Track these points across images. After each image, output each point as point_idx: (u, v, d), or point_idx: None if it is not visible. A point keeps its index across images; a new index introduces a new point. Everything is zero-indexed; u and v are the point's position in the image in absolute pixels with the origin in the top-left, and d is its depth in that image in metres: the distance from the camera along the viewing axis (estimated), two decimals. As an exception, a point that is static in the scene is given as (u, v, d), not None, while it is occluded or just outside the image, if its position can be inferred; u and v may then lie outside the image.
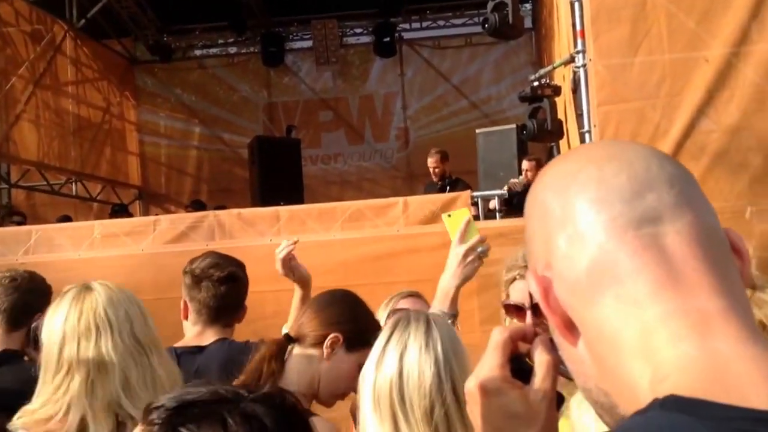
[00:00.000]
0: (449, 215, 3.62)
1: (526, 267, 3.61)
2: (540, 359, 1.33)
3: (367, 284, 8.71)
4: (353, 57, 22.73)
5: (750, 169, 8.09)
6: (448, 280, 3.70)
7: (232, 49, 23.10)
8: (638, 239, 1.13)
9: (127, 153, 21.42)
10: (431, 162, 12.78)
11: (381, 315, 4.13)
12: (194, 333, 4.32)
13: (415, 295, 4.38)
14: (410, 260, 8.74)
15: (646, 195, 1.15)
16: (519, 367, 1.34)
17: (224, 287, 4.22)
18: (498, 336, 1.35)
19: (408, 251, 8.85)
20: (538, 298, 1.21)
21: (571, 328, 1.19)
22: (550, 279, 1.20)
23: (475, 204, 10.43)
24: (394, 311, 4.12)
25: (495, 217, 10.86)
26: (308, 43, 22.22)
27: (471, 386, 1.33)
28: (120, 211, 17.40)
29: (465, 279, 3.67)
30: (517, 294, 3.77)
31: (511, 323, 3.84)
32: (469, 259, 3.63)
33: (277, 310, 8.55)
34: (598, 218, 1.16)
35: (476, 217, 9.94)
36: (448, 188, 12.30)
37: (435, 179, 12.78)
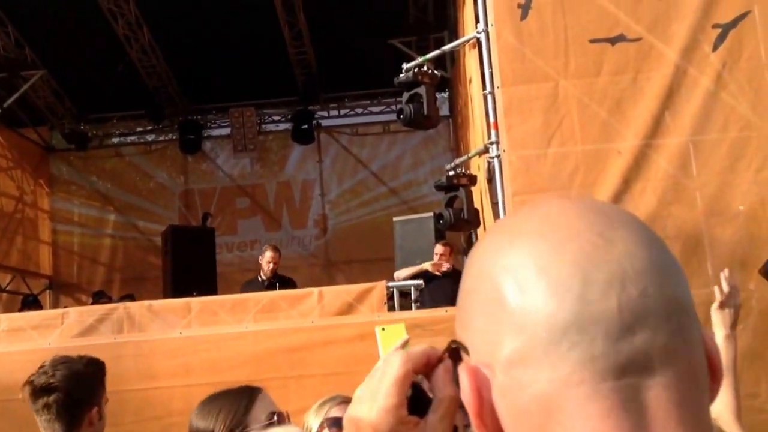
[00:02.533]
0: (383, 328, 3.37)
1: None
2: (442, 395, 1.11)
3: (280, 377, 8.63)
4: (271, 143, 22.61)
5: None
6: None
7: (150, 137, 22.88)
8: (616, 393, 0.91)
9: (39, 242, 20.97)
10: (270, 257, 12.51)
11: (312, 422, 3.91)
12: None
13: (349, 401, 4.12)
14: (325, 352, 8.66)
15: (638, 332, 0.92)
16: (415, 396, 1.16)
17: (47, 398, 3.89)
18: (399, 369, 1.11)
19: (323, 343, 8.78)
20: (466, 398, 1.00)
21: None
22: (488, 379, 0.99)
23: (390, 294, 10.36)
24: (328, 420, 3.91)
25: (411, 307, 10.79)
26: (226, 131, 22.14)
27: (362, 422, 1.12)
28: (32, 302, 17.00)
29: None
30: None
31: None
32: None
33: (185, 407, 8.36)
34: (571, 352, 0.92)
35: (391, 308, 9.87)
36: (277, 285, 12.16)
37: (267, 275, 12.44)
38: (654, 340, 0.92)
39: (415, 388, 1.14)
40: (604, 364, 0.91)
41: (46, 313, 11.38)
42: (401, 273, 11.33)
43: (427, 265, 11.25)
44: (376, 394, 1.12)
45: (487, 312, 1.00)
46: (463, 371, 1.01)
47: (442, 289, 10.88)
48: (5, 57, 18.37)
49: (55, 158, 22.20)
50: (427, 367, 1.13)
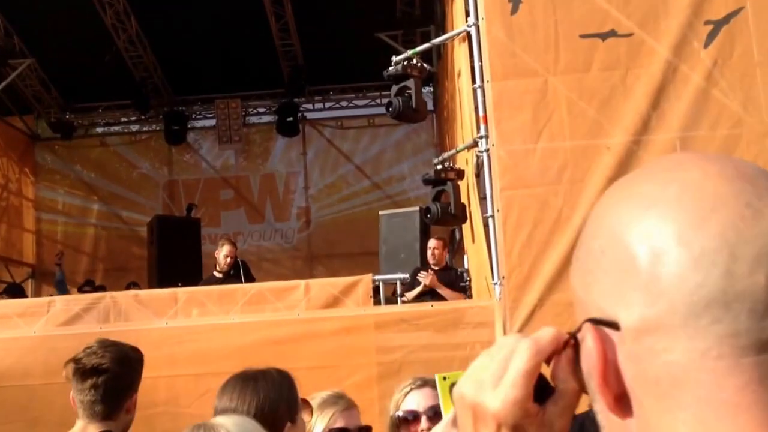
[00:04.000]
0: (444, 377, 3.07)
1: (418, 382, 3.43)
2: (564, 386, 1.07)
3: (266, 370, 8.62)
4: (255, 136, 22.64)
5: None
6: None
7: (135, 127, 22.92)
8: (756, 368, 0.87)
9: (23, 230, 20.98)
10: (228, 251, 12.43)
11: (316, 426, 3.80)
12: (78, 428, 3.98)
13: (353, 406, 3.98)
14: (311, 345, 8.65)
15: None
16: (537, 383, 1.12)
17: (96, 379, 3.86)
18: (528, 362, 1.05)
19: (308, 336, 8.76)
20: (591, 360, 0.98)
21: (623, 406, 0.97)
22: (613, 341, 0.97)
23: (376, 288, 10.34)
24: (333, 431, 3.80)
25: (396, 302, 10.78)
26: (211, 122, 22.15)
27: (484, 410, 1.06)
28: (14, 290, 16.87)
29: None
30: (410, 404, 3.56)
31: None
32: None
33: (170, 396, 8.39)
34: (713, 327, 0.88)
35: (377, 302, 9.87)
36: (232, 272, 12.23)
37: (223, 269, 12.39)
38: None
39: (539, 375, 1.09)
40: (746, 340, 0.88)
41: (31, 301, 11.38)
42: (410, 295, 11.22)
43: (423, 279, 11.09)
44: (500, 382, 1.06)
45: (616, 275, 0.97)
46: (588, 332, 0.99)
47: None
48: (-6, 45, 18.34)
49: (41, 147, 22.19)
50: (553, 353, 1.09)
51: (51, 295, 14.10)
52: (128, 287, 15.61)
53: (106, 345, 3.89)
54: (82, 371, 3.79)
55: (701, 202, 0.93)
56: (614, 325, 0.95)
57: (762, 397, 0.87)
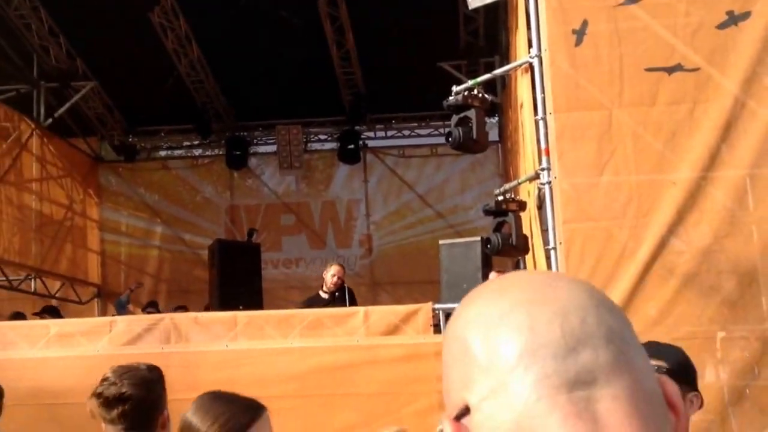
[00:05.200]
0: None
1: None
2: None
3: (325, 395, 8.63)
4: (317, 162, 22.66)
5: (722, 293, 8.00)
6: None
7: (197, 151, 23.15)
8: (571, 404, 1.02)
9: (88, 250, 21.12)
10: (336, 270, 12.47)
11: None
12: None
13: None
14: (370, 372, 8.64)
15: (581, 352, 1.05)
16: None
17: (121, 408, 3.90)
18: None
19: (368, 363, 8.76)
20: None
21: None
22: (467, 429, 1.09)
23: (436, 317, 10.32)
24: None
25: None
26: (272, 148, 22.21)
27: None
28: (51, 311, 16.53)
29: None
30: None
31: None
32: None
33: (231, 420, 8.42)
34: (527, 374, 1.04)
35: (437, 331, 9.84)
36: (337, 294, 12.32)
37: (332, 288, 12.42)
38: (597, 358, 1.05)
39: None
40: (556, 380, 1.03)
41: (95, 320, 11.48)
42: None
43: None
44: None
45: (460, 366, 1.12)
46: (446, 424, 1.11)
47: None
48: (57, 68, 18.60)
49: (104, 169, 22.40)
50: None
51: (114, 315, 14.25)
52: (175, 310, 15.67)
53: (122, 372, 3.92)
54: (106, 404, 3.84)
55: (508, 290, 1.14)
56: (465, 410, 1.09)
57: (581, 429, 1.01)
